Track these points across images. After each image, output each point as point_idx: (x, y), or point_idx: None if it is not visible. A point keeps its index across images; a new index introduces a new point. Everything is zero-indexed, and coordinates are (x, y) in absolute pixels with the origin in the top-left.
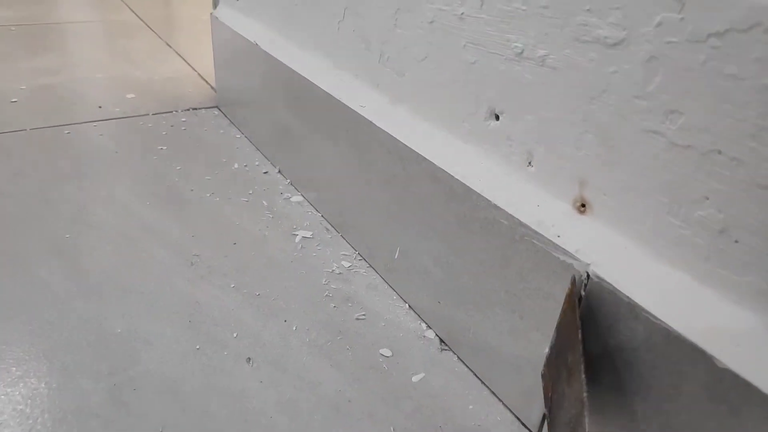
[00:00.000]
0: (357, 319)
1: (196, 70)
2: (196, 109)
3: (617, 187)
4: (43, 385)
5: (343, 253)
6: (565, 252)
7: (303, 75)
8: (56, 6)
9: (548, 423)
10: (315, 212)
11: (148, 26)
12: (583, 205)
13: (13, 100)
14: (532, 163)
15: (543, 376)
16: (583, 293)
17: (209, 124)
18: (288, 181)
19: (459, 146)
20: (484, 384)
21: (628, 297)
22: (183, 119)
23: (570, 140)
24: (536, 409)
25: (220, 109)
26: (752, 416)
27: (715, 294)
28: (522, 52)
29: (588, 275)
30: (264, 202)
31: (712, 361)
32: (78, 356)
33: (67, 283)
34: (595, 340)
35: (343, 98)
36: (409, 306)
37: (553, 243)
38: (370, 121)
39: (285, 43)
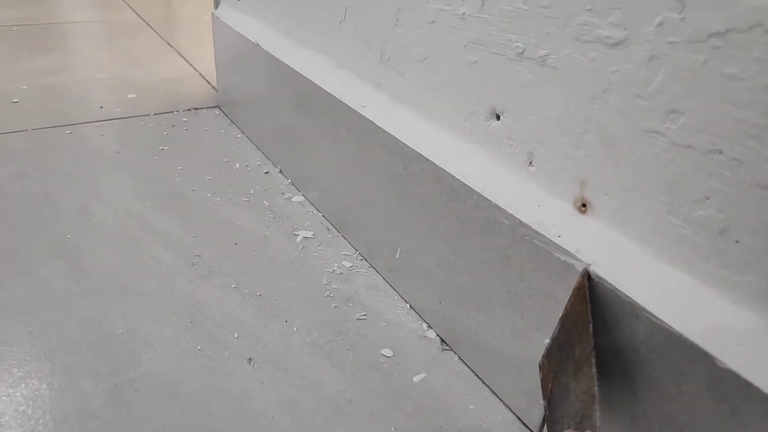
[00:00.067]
0: (358, 319)
1: (197, 70)
2: (197, 109)
3: (618, 187)
4: (44, 386)
5: (344, 253)
6: (566, 252)
7: (304, 75)
8: (57, 6)
9: (547, 414)
10: (316, 212)
11: (150, 26)
12: (584, 205)
13: (15, 100)
14: (533, 163)
15: (541, 366)
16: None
17: (210, 124)
18: (289, 181)
19: (460, 146)
20: (485, 384)
21: (628, 297)
22: (184, 119)
23: (571, 140)
24: (537, 409)
25: (221, 109)
26: (753, 416)
27: (715, 294)
28: (523, 52)
29: (589, 276)
30: (265, 202)
31: (713, 361)
32: (79, 357)
33: (68, 284)
34: (595, 340)
35: (344, 98)
36: (410, 306)
37: (554, 243)
38: (372, 121)
39: (286, 43)
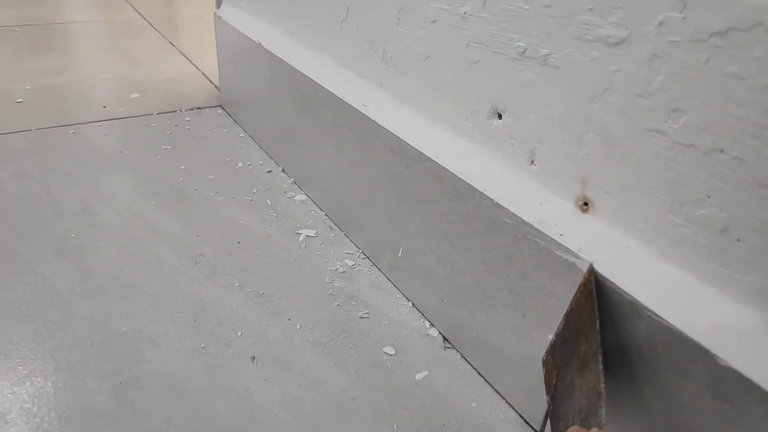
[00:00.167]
0: (361, 317)
1: (199, 70)
2: (200, 108)
3: (619, 186)
4: (49, 384)
5: (346, 251)
6: (568, 251)
7: (306, 74)
8: (60, 6)
9: (550, 410)
10: (318, 211)
11: (152, 26)
12: (586, 204)
13: (18, 100)
14: (534, 162)
15: (545, 362)
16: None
17: (213, 123)
18: (291, 179)
19: (462, 145)
20: (488, 382)
21: (630, 295)
22: (187, 118)
23: (572, 139)
24: (540, 407)
25: (223, 108)
26: (754, 414)
27: (717, 292)
28: (524, 52)
29: (594, 271)
30: (268, 201)
31: (715, 359)
32: (83, 355)
33: (72, 283)
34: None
35: (346, 97)
36: (413, 304)
37: (556, 242)
38: (374, 120)
39: (288, 43)
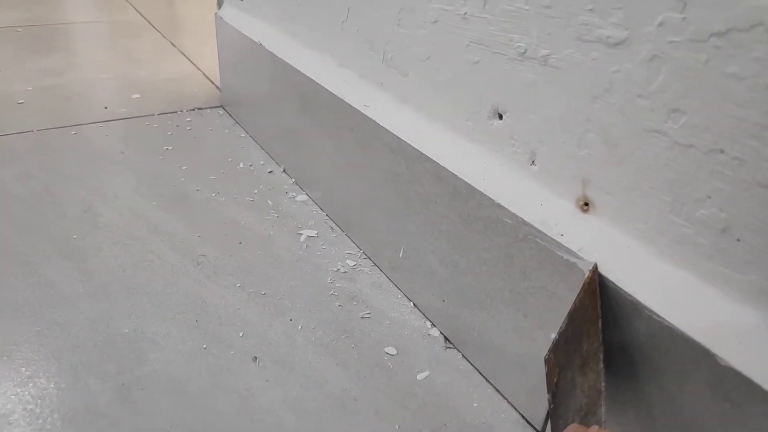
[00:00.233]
0: (362, 317)
1: (200, 70)
2: (201, 108)
3: (620, 186)
4: (52, 385)
5: (347, 251)
6: (569, 251)
7: (307, 75)
8: (61, 6)
9: (551, 408)
10: (320, 211)
11: (153, 26)
12: (586, 204)
13: (20, 101)
14: (535, 162)
15: (547, 360)
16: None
17: (214, 123)
18: (293, 180)
19: (462, 145)
20: (489, 382)
21: (631, 295)
22: (188, 119)
23: (573, 139)
24: (541, 407)
25: (224, 109)
26: (754, 413)
27: (717, 292)
28: (525, 52)
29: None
30: (269, 201)
31: (715, 358)
32: (86, 356)
33: (75, 284)
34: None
35: (347, 98)
36: (414, 304)
37: (557, 242)
38: (374, 121)
39: (289, 43)
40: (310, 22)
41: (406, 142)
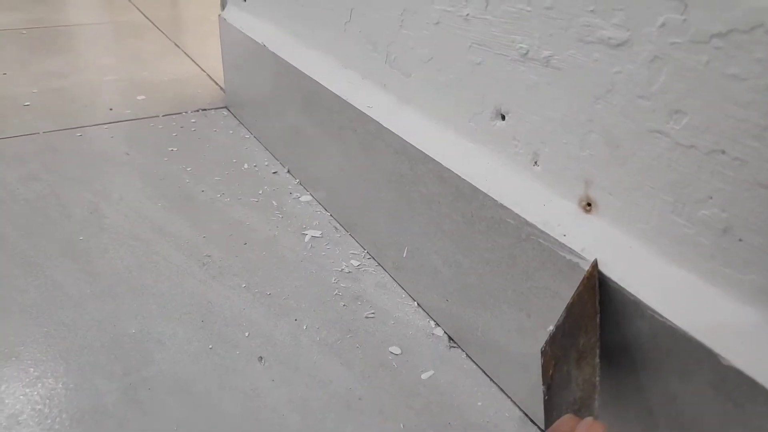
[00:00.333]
0: (366, 317)
1: (204, 71)
2: (205, 110)
3: (622, 187)
4: (60, 386)
5: (352, 252)
6: (571, 251)
7: (310, 76)
8: (65, 8)
9: (546, 400)
10: (324, 212)
11: (157, 27)
12: (589, 204)
13: (26, 103)
14: (537, 163)
15: (543, 352)
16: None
17: (219, 124)
18: (297, 180)
19: (465, 146)
20: (493, 381)
21: (633, 295)
22: (193, 120)
23: (575, 140)
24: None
25: (229, 110)
26: (756, 412)
27: (719, 292)
28: (527, 53)
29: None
30: (273, 202)
31: (717, 358)
32: (93, 357)
33: (81, 285)
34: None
35: (350, 99)
36: (418, 304)
37: (559, 242)
38: (377, 122)
39: (292, 45)
40: (313, 23)
41: (410, 143)
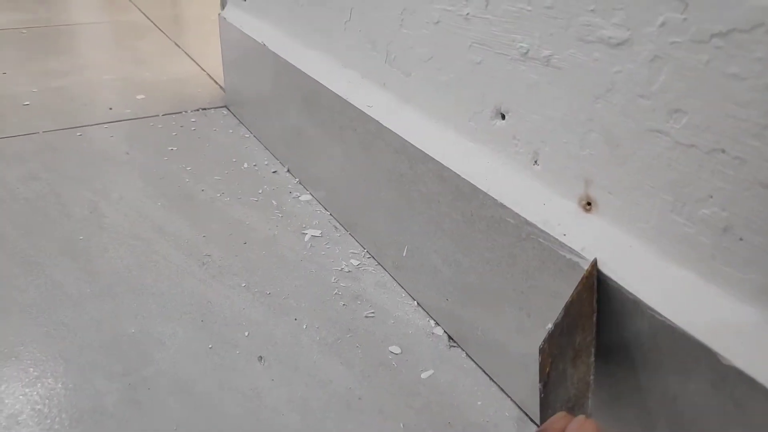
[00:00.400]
0: (366, 316)
1: (204, 70)
2: (205, 109)
3: (622, 186)
4: (59, 386)
5: (351, 251)
6: (571, 250)
7: (310, 75)
8: (66, 8)
9: (541, 398)
10: (324, 211)
11: (157, 26)
12: (589, 204)
13: (26, 103)
14: (537, 162)
15: (541, 350)
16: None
17: (218, 124)
18: (297, 180)
19: (465, 145)
20: (493, 380)
21: (632, 294)
22: (192, 119)
23: (575, 139)
24: None
25: (229, 109)
26: (757, 412)
27: (719, 291)
28: (527, 52)
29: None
30: (273, 201)
31: (717, 357)
32: (93, 357)
33: (81, 285)
34: (599, 337)
35: (350, 98)
36: (418, 303)
37: (559, 241)
38: (377, 121)
39: (292, 44)
40: (313, 22)
41: (409, 142)
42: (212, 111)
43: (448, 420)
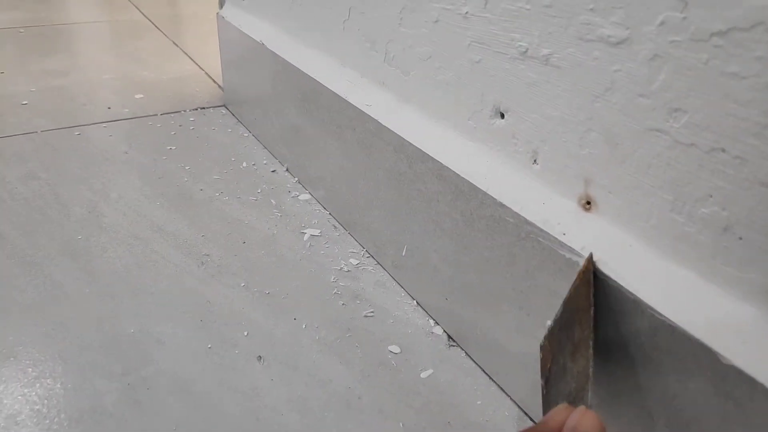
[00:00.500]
0: (365, 316)
1: (203, 69)
2: (203, 108)
3: (622, 185)
4: (58, 386)
5: (351, 250)
6: (571, 250)
7: (309, 74)
8: (64, 7)
9: (544, 394)
10: (323, 210)
11: (155, 26)
12: (588, 203)
13: (24, 102)
14: (537, 161)
15: (542, 347)
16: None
17: (217, 123)
18: (296, 179)
19: (464, 144)
20: (492, 380)
21: (632, 293)
22: (191, 119)
23: (574, 138)
24: None
25: (227, 108)
26: (757, 412)
27: (719, 290)
28: (526, 51)
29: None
30: (272, 200)
31: (717, 357)
32: (92, 357)
33: (80, 285)
34: (599, 336)
35: (349, 97)
36: (417, 303)
37: (559, 241)
38: (376, 120)
39: (291, 43)
40: (311, 21)
41: (408, 142)
42: (211, 110)
43: (448, 419)
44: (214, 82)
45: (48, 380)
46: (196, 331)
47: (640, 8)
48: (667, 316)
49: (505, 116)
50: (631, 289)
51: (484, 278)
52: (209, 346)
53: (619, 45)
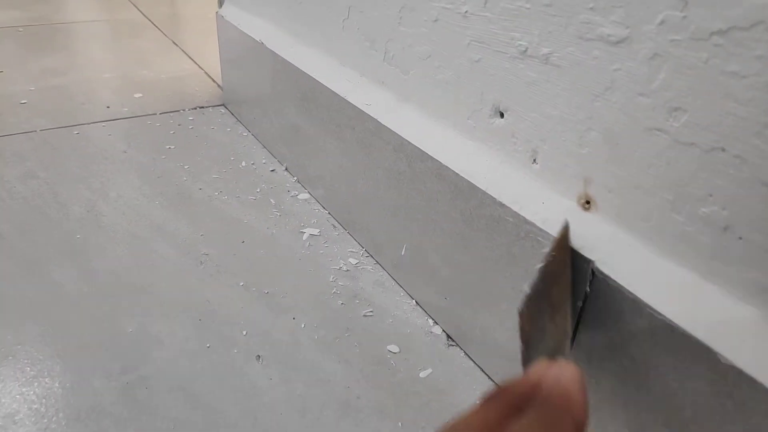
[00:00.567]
0: (365, 315)
1: (202, 69)
2: (203, 107)
3: (622, 185)
4: (57, 385)
5: (350, 250)
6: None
7: (308, 73)
8: (63, 6)
9: (523, 355)
10: (322, 210)
11: (155, 25)
12: (588, 203)
13: (23, 101)
14: (536, 161)
15: (521, 313)
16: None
17: (216, 122)
18: (295, 178)
19: (464, 144)
20: (491, 379)
21: (632, 293)
22: (190, 118)
23: (574, 138)
24: None
25: (226, 108)
26: (757, 412)
27: (719, 290)
28: (526, 50)
29: (593, 272)
30: (271, 200)
31: (717, 357)
32: (90, 355)
33: (79, 284)
34: (599, 336)
35: (348, 96)
36: (416, 302)
37: None
38: (376, 119)
39: (290, 42)
40: (311, 20)
41: (408, 141)
42: (210, 109)
43: (447, 419)
44: (214, 81)
45: (46, 379)
46: (194, 330)
47: (640, 7)
48: (666, 315)
49: (505, 115)
50: (630, 289)
51: (484, 278)
52: (208, 345)
53: (619, 44)
